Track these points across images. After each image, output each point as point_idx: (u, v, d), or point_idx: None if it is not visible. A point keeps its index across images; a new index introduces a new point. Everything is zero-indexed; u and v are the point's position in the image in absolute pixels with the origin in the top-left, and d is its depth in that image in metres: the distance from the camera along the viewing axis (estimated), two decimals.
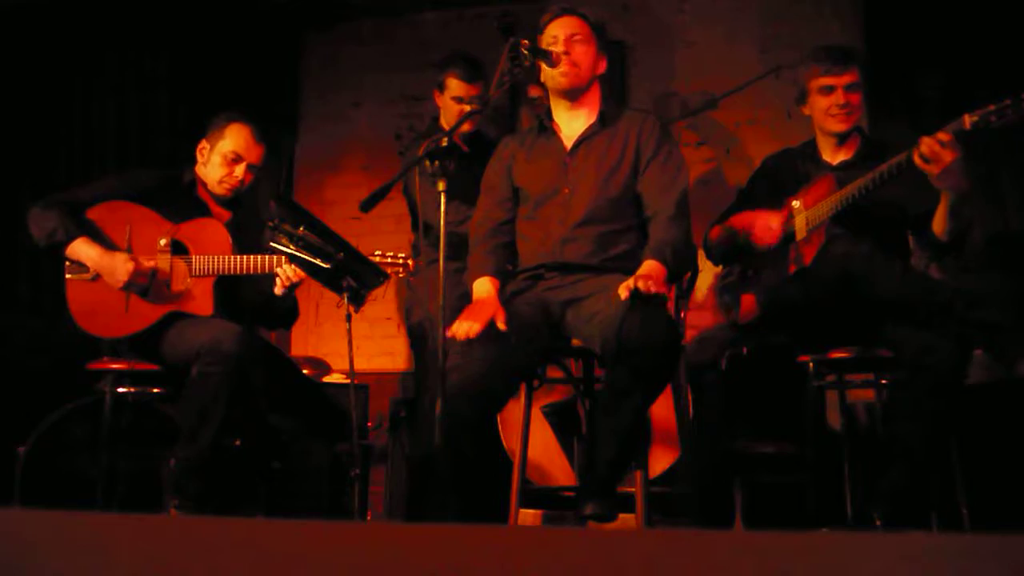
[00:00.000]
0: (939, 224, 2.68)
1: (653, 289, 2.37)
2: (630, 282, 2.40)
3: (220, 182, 3.08)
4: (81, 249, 2.92)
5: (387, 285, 3.01)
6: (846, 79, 2.87)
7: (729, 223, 3.06)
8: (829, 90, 2.89)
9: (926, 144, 2.51)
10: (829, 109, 2.91)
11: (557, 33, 2.71)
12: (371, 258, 2.98)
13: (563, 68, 2.70)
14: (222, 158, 3.07)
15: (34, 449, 3.03)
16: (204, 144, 3.12)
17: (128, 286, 2.91)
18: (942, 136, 2.50)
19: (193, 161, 3.16)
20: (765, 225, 2.95)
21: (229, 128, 3.09)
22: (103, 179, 3.14)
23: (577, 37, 2.70)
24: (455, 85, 3.60)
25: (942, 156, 2.49)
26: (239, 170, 3.08)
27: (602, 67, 2.79)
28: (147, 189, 3.06)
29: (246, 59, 4.61)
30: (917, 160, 2.54)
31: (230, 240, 3.00)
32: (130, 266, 2.90)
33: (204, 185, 3.13)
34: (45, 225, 2.92)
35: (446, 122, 3.63)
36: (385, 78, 4.81)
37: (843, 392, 3.03)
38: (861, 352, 2.76)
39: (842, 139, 2.95)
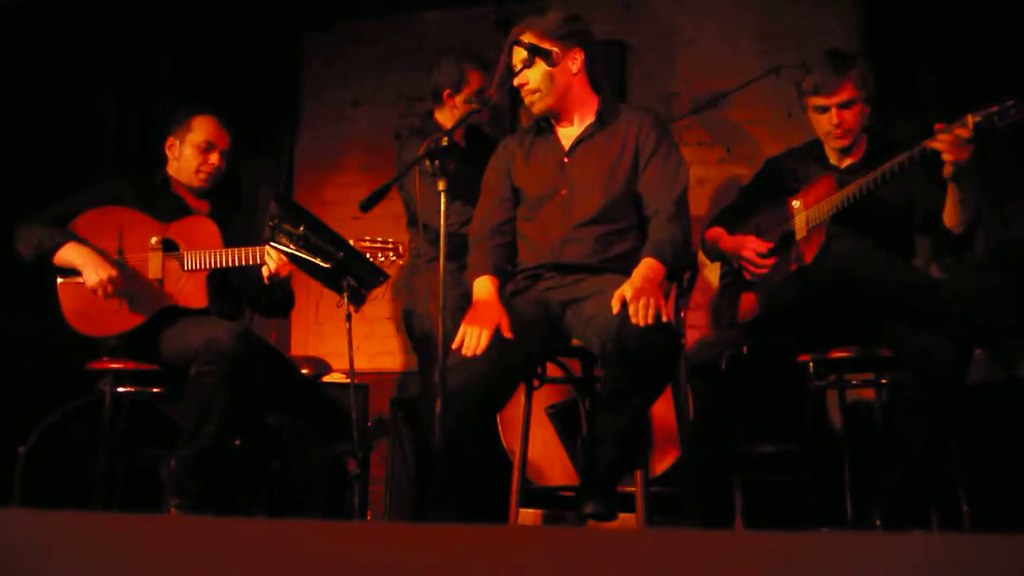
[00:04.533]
0: (949, 216, 2.66)
1: (644, 317, 2.33)
2: (625, 291, 2.40)
3: (197, 172, 3.14)
4: (70, 252, 2.94)
5: (387, 284, 3.01)
6: (838, 97, 2.82)
7: (721, 245, 3.06)
8: (822, 110, 2.87)
9: (949, 134, 2.46)
10: (825, 128, 2.90)
11: (516, 62, 2.70)
12: (362, 243, 3.00)
13: (526, 98, 2.74)
14: (195, 149, 3.13)
15: (34, 449, 3.04)
16: (172, 141, 3.18)
17: (97, 288, 2.89)
18: (960, 131, 2.44)
19: (163, 162, 3.20)
20: (754, 260, 2.95)
21: (195, 120, 3.15)
22: (78, 194, 3.17)
23: (524, 63, 2.65)
24: (476, 79, 3.55)
25: (963, 150, 2.46)
26: (214, 157, 3.14)
27: (573, 67, 2.72)
28: (122, 198, 3.10)
29: (246, 59, 4.61)
30: (939, 145, 2.48)
31: (219, 234, 3.03)
32: (106, 276, 2.88)
33: (178, 182, 3.17)
34: (31, 239, 2.96)
35: (451, 118, 3.56)
36: (385, 78, 4.80)
37: (843, 392, 3.04)
38: (861, 352, 2.76)
39: (846, 150, 2.93)
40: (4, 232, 3.17)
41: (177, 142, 3.16)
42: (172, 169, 3.18)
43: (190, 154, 3.13)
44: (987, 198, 3.62)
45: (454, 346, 2.44)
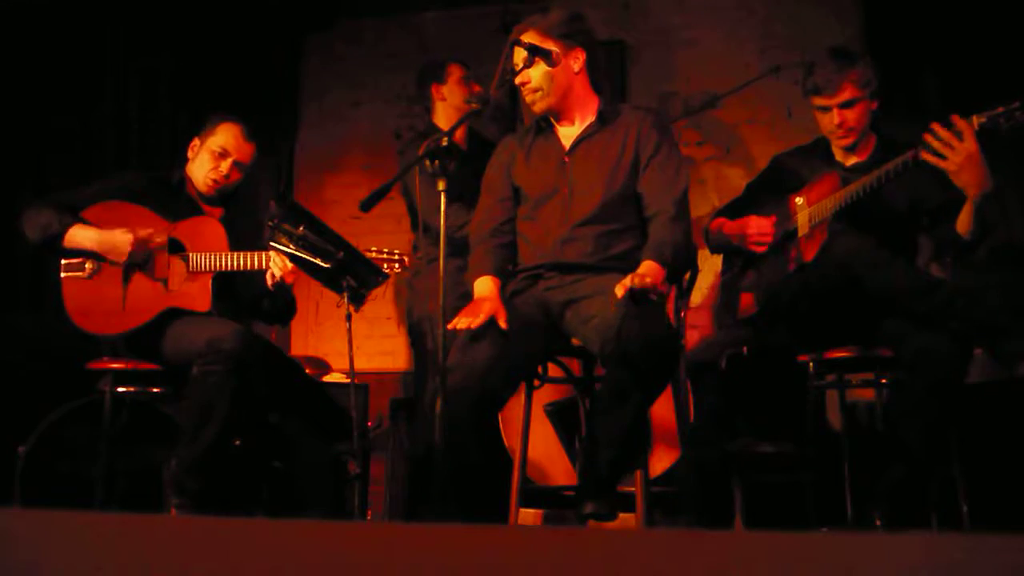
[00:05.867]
0: (963, 224, 2.63)
1: (649, 284, 2.36)
2: (627, 280, 2.40)
3: (205, 177, 3.12)
4: (79, 234, 2.94)
5: (387, 284, 3.01)
6: (839, 98, 2.81)
7: (724, 229, 3.05)
8: (824, 110, 2.87)
9: (940, 134, 2.46)
10: (828, 128, 2.89)
11: (517, 62, 2.70)
12: (369, 254, 2.99)
13: (527, 97, 2.74)
14: (210, 154, 3.12)
15: (34, 449, 3.03)
16: (196, 142, 3.18)
17: (131, 257, 2.92)
18: (958, 123, 2.44)
19: (184, 160, 3.20)
20: (758, 231, 2.94)
21: (221, 126, 3.14)
22: (91, 184, 3.16)
23: (525, 62, 2.64)
24: (457, 69, 3.61)
25: (958, 148, 2.46)
26: (224, 165, 3.11)
27: (574, 67, 2.72)
28: (135, 191, 3.09)
29: (246, 59, 4.61)
30: (930, 157, 2.50)
31: (226, 237, 3.02)
32: (130, 237, 2.92)
33: (192, 185, 3.17)
34: (39, 221, 2.95)
35: (445, 117, 3.63)
36: (385, 78, 4.81)
37: (843, 392, 3.03)
38: (861, 352, 2.76)
39: (851, 148, 2.93)
40: (3, 230, 3.18)
41: (199, 143, 3.15)
42: (190, 170, 3.18)
43: (205, 158, 3.12)
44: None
45: (451, 326, 2.44)
